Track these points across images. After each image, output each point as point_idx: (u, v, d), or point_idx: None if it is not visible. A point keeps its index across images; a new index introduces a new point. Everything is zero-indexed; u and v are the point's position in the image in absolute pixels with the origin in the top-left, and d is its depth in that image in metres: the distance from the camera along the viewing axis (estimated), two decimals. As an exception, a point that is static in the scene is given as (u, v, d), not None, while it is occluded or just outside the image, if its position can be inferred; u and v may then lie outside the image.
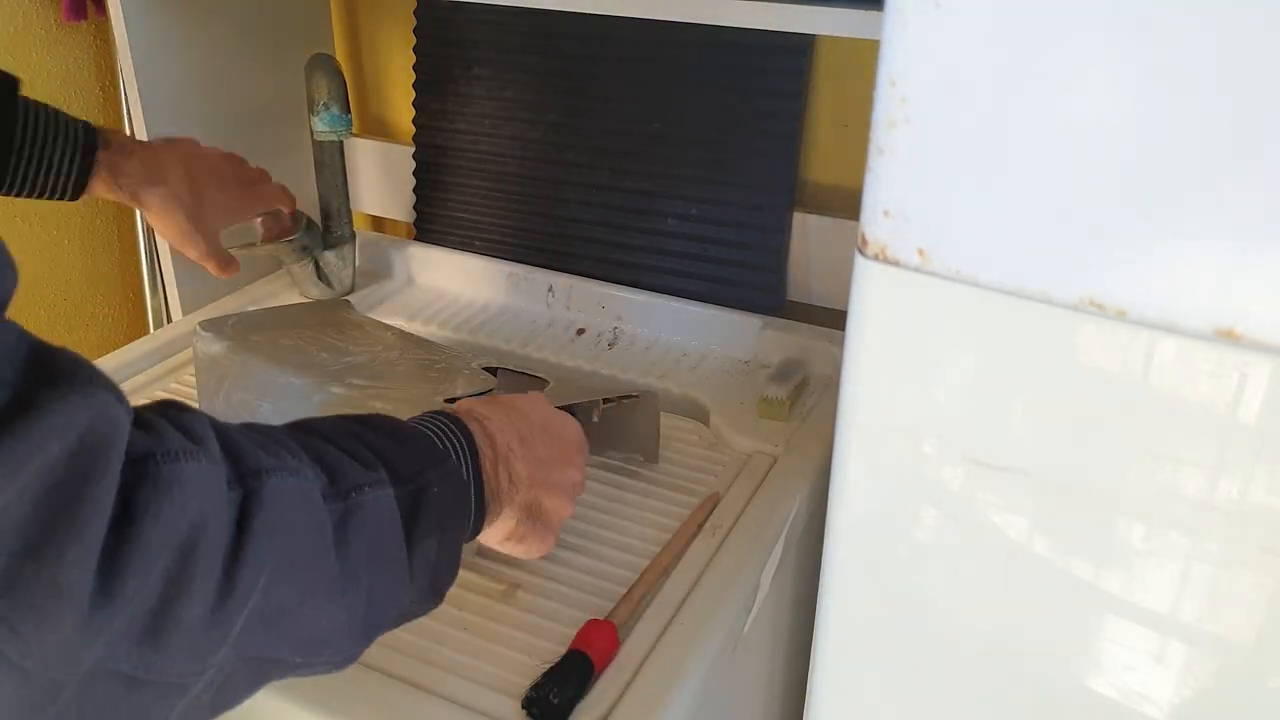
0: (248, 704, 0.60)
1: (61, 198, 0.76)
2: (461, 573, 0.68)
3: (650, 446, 0.79)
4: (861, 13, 0.73)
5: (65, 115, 0.76)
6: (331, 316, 0.86)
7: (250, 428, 0.45)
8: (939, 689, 0.58)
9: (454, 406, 0.59)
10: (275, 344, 0.78)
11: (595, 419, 0.75)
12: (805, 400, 0.86)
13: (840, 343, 0.53)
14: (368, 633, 0.48)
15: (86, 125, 0.76)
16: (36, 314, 1.15)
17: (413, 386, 0.73)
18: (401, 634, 0.63)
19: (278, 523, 0.41)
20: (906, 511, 0.54)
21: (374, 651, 0.61)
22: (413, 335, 0.84)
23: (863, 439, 0.54)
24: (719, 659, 0.64)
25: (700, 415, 0.87)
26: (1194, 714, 0.51)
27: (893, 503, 0.55)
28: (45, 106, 0.75)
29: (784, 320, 0.94)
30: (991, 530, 0.52)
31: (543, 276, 1.03)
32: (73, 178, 0.75)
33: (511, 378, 0.80)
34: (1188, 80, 0.40)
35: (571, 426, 0.65)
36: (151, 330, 1.17)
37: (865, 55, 0.91)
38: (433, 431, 0.54)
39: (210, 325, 0.79)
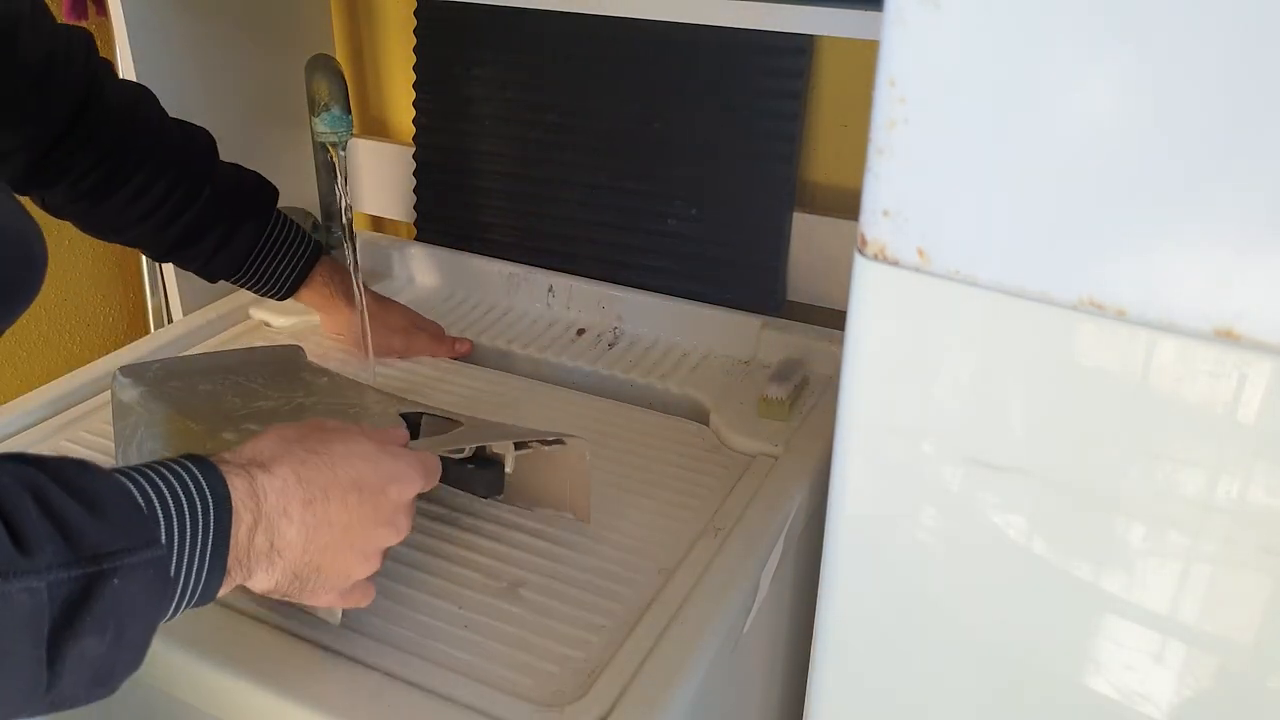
0: (248, 703, 0.61)
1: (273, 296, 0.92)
2: (461, 570, 0.68)
3: (581, 502, 0.70)
4: (861, 13, 0.73)
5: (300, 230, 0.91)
6: (274, 362, 0.80)
7: None
8: (939, 689, 0.58)
9: (245, 450, 0.52)
10: (192, 390, 0.72)
11: (509, 469, 0.69)
12: (805, 400, 0.86)
13: (840, 343, 0.53)
14: None
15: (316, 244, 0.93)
16: (37, 314, 1.15)
17: None
18: (401, 631, 0.63)
19: None
20: (906, 511, 0.54)
21: (372, 648, 0.61)
22: (349, 381, 0.79)
23: (863, 439, 0.54)
24: (719, 659, 0.64)
25: (700, 415, 0.87)
26: (1194, 714, 0.51)
27: (893, 503, 0.55)
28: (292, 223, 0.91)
29: (784, 320, 0.94)
30: (991, 530, 0.52)
31: (543, 276, 1.03)
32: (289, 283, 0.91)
33: (434, 423, 0.73)
34: (1187, 80, 0.40)
35: (399, 486, 0.56)
36: (151, 330, 1.17)
37: (865, 55, 0.91)
38: (159, 494, 0.46)
39: (130, 371, 0.73)
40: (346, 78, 0.97)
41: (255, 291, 0.91)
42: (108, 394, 0.87)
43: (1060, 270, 0.45)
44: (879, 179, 0.48)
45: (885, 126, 0.46)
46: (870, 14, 0.73)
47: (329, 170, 1.00)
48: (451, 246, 1.10)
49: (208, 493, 0.47)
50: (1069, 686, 0.53)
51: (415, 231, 1.15)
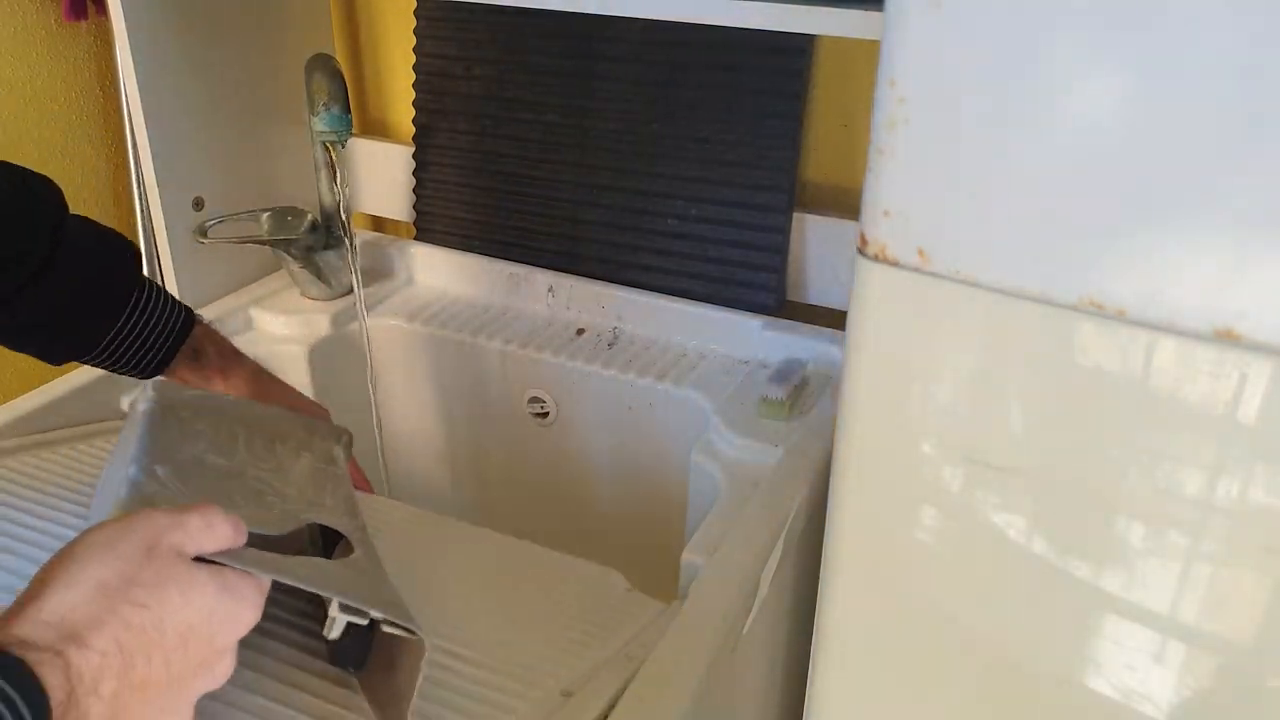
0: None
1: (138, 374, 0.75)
2: (300, 675, 0.58)
3: (397, 710, 0.55)
4: (861, 13, 0.73)
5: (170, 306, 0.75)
6: (295, 432, 0.71)
7: None
8: (939, 689, 0.58)
9: (54, 614, 0.43)
10: (186, 426, 0.65)
11: (331, 635, 0.54)
12: (805, 400, 0.86)
13: (840, 343, 0.53)
14: None
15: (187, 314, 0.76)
16: (36, 314, 1.15)
17: (203, 500, 0.55)
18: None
19: None
20: (906, 511, 0.54)
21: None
22: (325, 478, 0.68)
23: (863, 439, 0.54)
24: (719, 659, 0.64)
25: (700, 415, 0.87)
26: (1194, 714, 0.51)
27: (893, 503, 0.55)
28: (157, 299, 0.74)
29: (784, 320, 0.94)
30: (991, 530, 0.52)
31: (543, 276, 1.03)
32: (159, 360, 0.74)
33: (345, 547, 0.62)
34: (1188, 80, 0.40)
35: (230, 628, 0.48)
36: (151, 330, 1.17)
37: (865, 55, 0.91)
38: None
39: (159, 387, 0.67)
40: (346, 78, 0.97)
41: (113, 369, 0.75)
42: (105, 394, 0.88)
43: (1060, 270, 0.45)
44: (879, 179, 0.48)
45: (885, 126, 0.46)
46: (870, 14, 0.73)
47: (329, 170, 1.00)
48: (451, 246, 1.10)
49: (24, 714, 0.39)
50: (1069, 686, 0.53)
51: (415, 231, 1.15)
